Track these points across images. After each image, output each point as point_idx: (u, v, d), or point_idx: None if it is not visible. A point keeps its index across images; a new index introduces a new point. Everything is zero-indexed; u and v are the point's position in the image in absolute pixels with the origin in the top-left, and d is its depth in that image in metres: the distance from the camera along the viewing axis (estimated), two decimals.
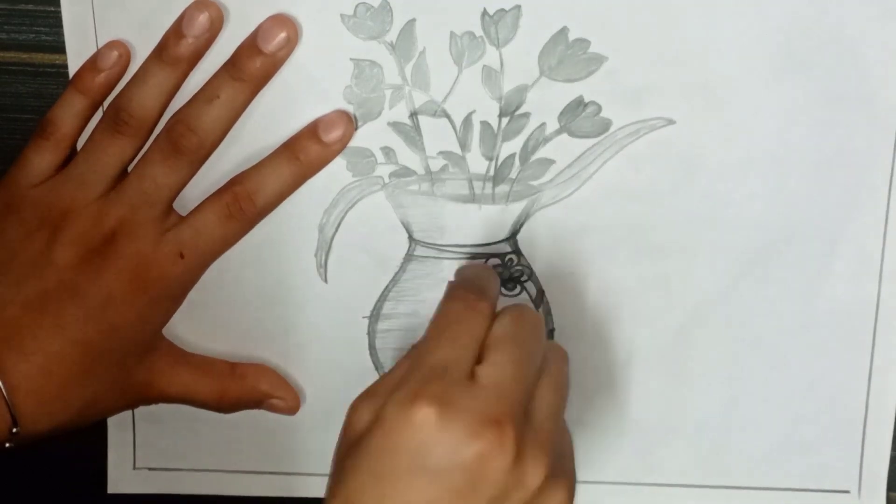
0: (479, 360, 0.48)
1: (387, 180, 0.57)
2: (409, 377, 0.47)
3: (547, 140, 0.56)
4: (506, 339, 0.48)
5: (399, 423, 0.45)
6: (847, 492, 0.60)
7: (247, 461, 0.61)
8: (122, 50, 0.55)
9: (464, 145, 0.56)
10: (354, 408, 0.48)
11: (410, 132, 0.56)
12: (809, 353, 0.58)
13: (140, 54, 0.55)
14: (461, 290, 0.51)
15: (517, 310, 0.50)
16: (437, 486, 0.45)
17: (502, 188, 0.57)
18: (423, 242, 0.57)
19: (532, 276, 0.58)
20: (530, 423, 0.47)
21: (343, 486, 0.46)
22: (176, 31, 0.54)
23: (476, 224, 0.57)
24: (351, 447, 0.47)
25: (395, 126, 0.56)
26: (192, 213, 0.56)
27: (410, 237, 0.57)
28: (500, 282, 0.55)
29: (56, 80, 0.57)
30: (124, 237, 0.55)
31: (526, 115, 0.56)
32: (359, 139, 0.56)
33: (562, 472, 0.47)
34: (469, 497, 0.45)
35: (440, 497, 0.44)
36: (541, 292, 0.58)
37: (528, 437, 0.46)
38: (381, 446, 0.45)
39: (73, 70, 0.56)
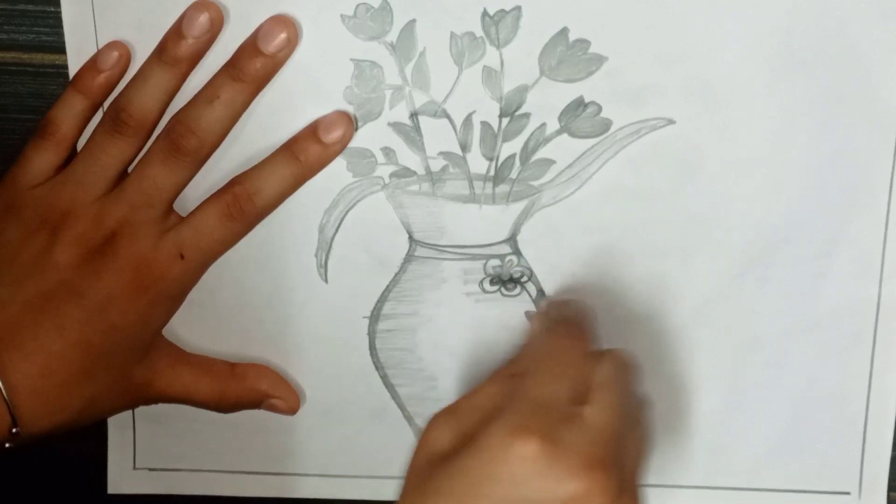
0: (581, 399, 0.47)
1: (387, 181, 0.57)
2: (511, 407, 0.46)
3: (547, 140, 0.56)
4: (612, 384, 0.48)
5: (500, 452, 0.45)
6: (847, 493, 0.60)
7: (247, 461, 0.61)
8: (123, 50, 0.55)
9: (464, 146, 0.56)
10: (436, 425, 0.48)
11: (411, 132, 0.56)
12: (810, 353, 0.58)
13: (140, 55, 0.55)
14: (569, 327, 0.52)
15: (623, 356, 0.51)
16: None
17: (502, 188, 0.57)
18: (424, 243, 0.57)
19: (532, 276, 0.58)
20: (625, 467, 0.47)
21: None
22: (176, 32, 0.54)
23: (476, 224, 0.57)
24: (435, 467, 0.46)
25: (396, 126, 0.56)
26: (192, 213, 0.56)
27: (411, 237, 0.57)
28: (596, 318, 0.56)
29: (56, 80, 0.57)
30: (124, 237, 0.55)
31: (526, 115, 0.56)
32: (359, 140, 0.56)
33: None
34: None
35: None
36: (541, 292, 0.58)
37: (627, 483, 0.46)
38: (477, 472, 0.45)
39: (73, 70, 0.56)
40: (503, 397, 0.47)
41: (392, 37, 0.55)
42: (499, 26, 0.55)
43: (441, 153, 0.56)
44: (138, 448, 0.61)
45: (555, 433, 0.45)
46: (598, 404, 0.47)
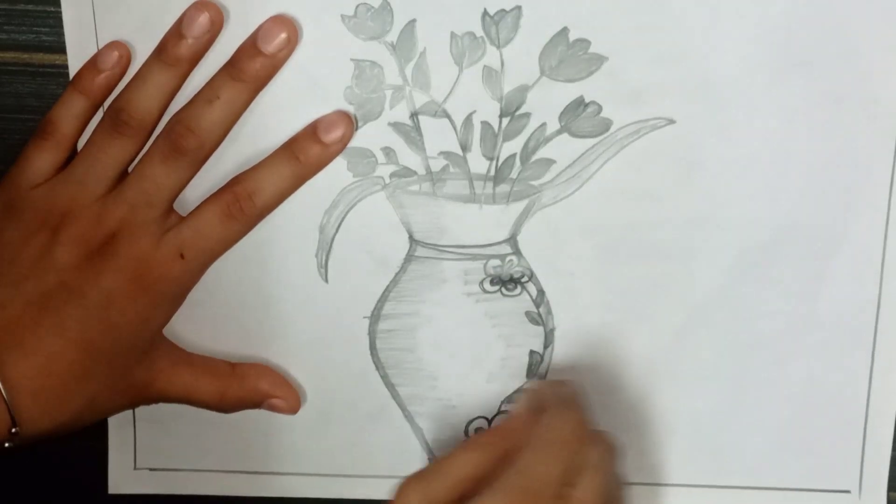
0: (571, 481, 0.48)
1: (387, 181, 0.57)
2: (504, 481, 0.47)
3: (547, 140, 0.56)
4: (602, 468, 0.50)
5: None
6: (847, 492, 0.60)
7: (247, 461, 0.61)
8: (123, 50, 0.55)
9: (464, 145, 0.56)
10: (405, 492, 0.49)
11: (411, 132, 0.56)
12: (810, 353, 0.58)
13: (140, 55, 0.55)
14: (568, 407, 0.52)
15: (612, 439, 0.52)
16: None
17: (503, 188, 0.57)
18: (424, 243, 0.57)
19: (532, 276, 0.58)
20: None
21: None
22: (176, 32, 0.54)
23: (476, 224, 0.57)
24: None
25: (396, 126, 0.56)
26: (192, 213, 0.56)
27: (411, 237, 0.57)
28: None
29: (56, 80, 0.57)
30: (124, 237, 0.55)
31: (526, 115, 0.56)
32: (359, 139, 0.56)
33: None
34: None
35: None
36: (541, 292, 0.58)
37: None
38: None
39: (73, 70, 0.56)
40: (484, 468, 0.48)
41: (392, 37, 0.55)
42: (499, 26, 0.55)
43: (441, 153, 0.56)
44: (139, 448, 0.61)
45: None
46: (587, 487, 0.48)
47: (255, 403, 0.59)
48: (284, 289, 0.58)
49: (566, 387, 0.56)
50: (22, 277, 0.54)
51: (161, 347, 0.57)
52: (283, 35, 0.54)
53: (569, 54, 0.55)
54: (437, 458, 0.51)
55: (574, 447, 0.50)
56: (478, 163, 0.56)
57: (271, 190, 0.56)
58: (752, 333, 0.58)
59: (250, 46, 0.55)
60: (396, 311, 0.58)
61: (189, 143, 0.55)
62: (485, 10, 0.54)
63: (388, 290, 0.58)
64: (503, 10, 0.54)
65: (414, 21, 0.55)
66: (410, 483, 0.49)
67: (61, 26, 0.56)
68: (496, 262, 0.57)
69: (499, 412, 0.59)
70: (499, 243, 0.57)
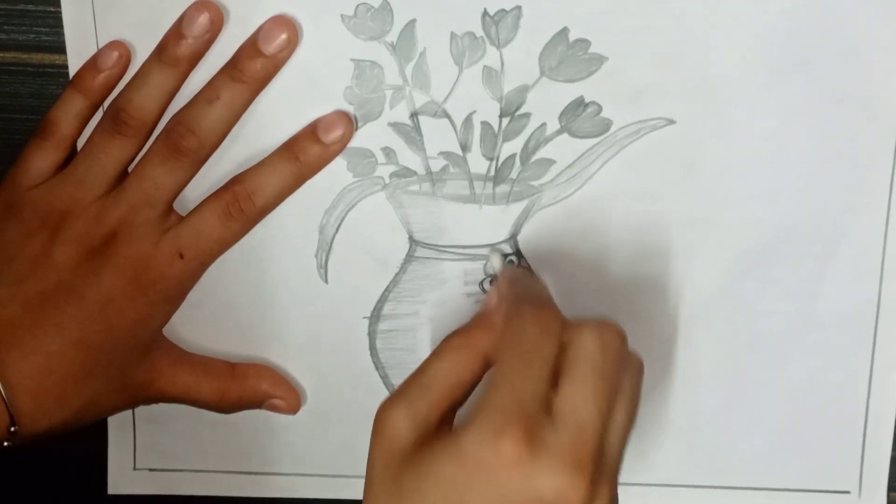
0: (555, 382, 0.46)
1: (387, 181, 0.57)
2: (490, 406, 0.45)
3: (547, 140, 0.56)
4: (587, 369, 0.46)
5: (482, 458, 0.44)
6: (847, 492, 0.60)
7: (247, 462, 0.61)
8: (123, 50, 0.55)
9: (464, 146, 0.56)
10: (387, 416, 0.47)
11: (411, 133, 0.56)
12: (810, 353, 0.58)
13: (140, 55, 0.55)
14: (533, 309, 0.48)
15: (599, 331, 0.48)
16: None
17: (503, 188, 0.57)
18: (424, 243, 0.57)
19: (532, 276, 0.58)
20: (605, 451, 0.46)
21: None
22: (176, 32, 0.54)
23: (477, 224, 0.57)
24: (402, 464, 0.46)
25: (396, 126, 0.56)
26: (191, 213, 0.56)
27: (411, 238, 0.57)
28: (547, 288, 0.53)
29: (56, 80, 0.57)
30: (124, 237, 0.55)
31: (526, 115, 0.56)
32: (359, 140, 0.56)
33: (617, 496, 0.47)
34: None
35: None
36: None
37: (604, 474, 0.45)
38: (455, 476, 0.44)
39: (73, 70, 0.56)
40: (464, 374, 0.47)
41: (392, 37, 0.55)
42: (499, 26, 0.55)
43: (441, 153, 0.56)
44: (138, 448, 0.61)
45: (533, 433, 0.44)
46: (570, 394, 0.46)
47: (255, 403, 0.59)
48: (284, 289, 0.58)
49: (530, 278, 0.54)
50: (21, 277, 0.54)
51: (161, 347, 0.57)
52: (284, 36, 0.54)
53: (569, 54, 0.55)
54: (413, 373, 0.48)
55: (550, 346, 0.47)
56: (478, 163, 0.56)
57: (271, 190, 0.56)
58: (752, 333, 0.58)
59: (250, 47, 0.55)
60: (396, 311, 0.58)
61: (189, 143, 0.55)
62: (485, 10, 0.54)
63: (388, 290, 0.58)
64: (503, 10, 0.54)
65: (414, 21, 0.55)
66: (392, 406, 0.47)
67: (61, 26, 0.56)
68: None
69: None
70: (499, 243, 0.57)
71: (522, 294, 0.51)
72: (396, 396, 0.48)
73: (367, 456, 0.59)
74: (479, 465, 0.44)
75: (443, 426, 0.47)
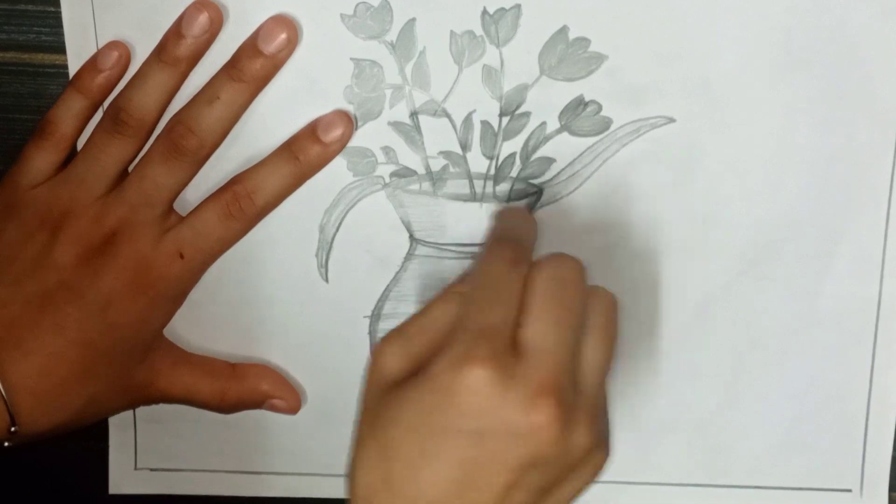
0: (519, 319, 0.46)
1: (387, 180, 0.57)
2: (455, 336, 0.46)
3: (547, 139, 0.56)
4: (547, 298, 0.47)
5: (449, 383, 0.44)
6: (849, 490, 0.60)
7: (248, 462, 0.60)
8: (122, 50, 0.55)
9: (464, 145, 0.56)
10: (386, 348, 0.48)
11: (411, 132, 0.56)
12: (811, 351, 0.58)
13: (140, 54, 0.55)
14: (501, 246, 0.49)
15: (557, 263, 0.48)
16: (480, 448, 0.44)
17: (503, 187, 0.57)
18: (425, 242, 0.57)
19: None
20: (578, 387, 0.46)
21: (379, 436, 0.46)
22: (175, 32, 0.54)
23: (477, 223, 0.57)
24: (386, 394, 0.46)
25: (396, 126, 0.56)
26: (191, 213, 0.56)
27: (411, 237, 0.57)
28: (536, 226, 0.53)
29: (56, 80, 0.57)
30: (124, 237, 0.55)
31: (526, 114, 0.56)
32: (359, 139, 0.56)
33: (603, 431, 0.47)
34: (512, 461, 0.44)
35: (482, 457, 0.44)
36: None
37: (577, 405, 0.45)
38: (426, 402, 0.45)
39: (73, 70, 0.56)
40: (452, 319, 0.47)
41: (392, 36, 0.55)
42: (498, 25, 0.55)
43: (441, 152, 0.56)
44: (139, 448, 0.61)
45: (501, 362, 0.44)
46: (533, 326, 0.46)
47: (256, 404, 0.59)
48: (284, 289, 0.58)
49: (507, 216, 0.53)
50: (22, 277, 0.54)
51: (161, 347, 0.57)
52: (284, 35, 0.54)
53: (568, 53, 0.55)
54: (415, 314, 0.49)
55: (511, 284, 0.47)
56: (478, 162, 0.56)
57: (271, 189, 0.56)
58: (752, 332, 0.58)
59: (250, 47, 0.55)
60: (397, 310, 0.58)
61: (189, 143, 0.55)
62: (484, 8, 0.54)
63: (388, 289, 0.58)
64: (503, 9, 0.54)
65: (413, 20, 0.55)
66: (389, 339, 0.48)
67: (61, 26, 0.56)
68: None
69: None
70: None
71: (500, 230, 0.51)
72: (395, 331, 0.48)
73: None
74: (447, 390, 0.45)
75: None
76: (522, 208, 0.54)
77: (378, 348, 0.48)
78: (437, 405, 0.45)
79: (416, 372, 0.46)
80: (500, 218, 0.53)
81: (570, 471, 0.46)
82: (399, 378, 0.47)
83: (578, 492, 0.47)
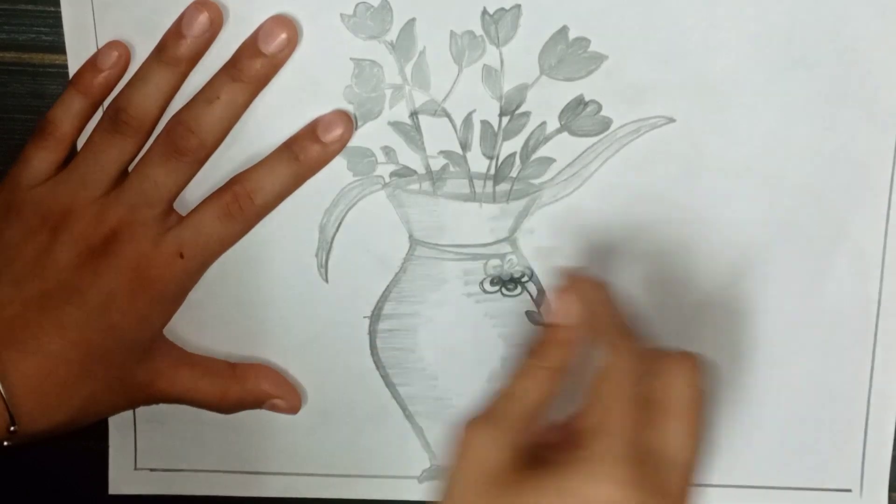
0: (653, 415, 0.46)
1: (387, 180, 0.57)
2: (595, 445, 0.45)
3: (547, 139, 0.56)
4: (683, 407, 0.47)
5: (588, 496, 0.44)
6: (849, 490, 0.60)
7: (248, 462, 0.60)
8: (122, 50, 0.55)
9: (464, 144, 0.56)
10: (479, 435, 0.47)
11: (411, 132, 0.56)
12: (811, 351, 0.58)
13: (140, 54, 0.55)
14: (625, 341, 0.48)
15: (691, 367, 0.48)
16: None
17: (503, 187, 0.57)
18: (424, 242, 0.57)
19: (533, 275, 0.58)
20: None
21: None
22: (175, 32, 0.54)
23: (477, 223, 0.57)
24: (493, 487, 0.46)
25: (396, 125, 0.56)
26: (191, 212, 0.56)
27: (411, 237, 0.57)
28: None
29: (56, 80, 0.57)
30: (124, 237, 0.55)
31: (526, 114, 0.56)
32: (359, 139, 0.56)
33: None
34: None
35: None
36: (541, 292, 0.58)
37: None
38: None
39: (73, 70, 0.56)
40: (546, 391, 0.47)
41: (392, 36, 0.55)
42: (498, 25, 0.55)
43: (441, 152, 0.56)
44: (139, 448, 0.61)
45: (644, 482, 0.45)
46: (674, 429, 0.46)
47: (256, 403, 0.59)
48: (284, 289, 0.58)
49: (604, 293, 0.51)
50: (22, 277, 0.54)
51: (161, 348, 0.57)
52: (284, 35, 0.54)
53: (568, 53, 0.55)
54: (501, 394, 0.47)
55: (645, 387, 0.47)
56: (478, 162, 0.56)
57: (271, 189, 0.56)
58: (752, 332, 0.58)
59: (250, 47, 0.55)
60: (397, 310, 0.58)
61: (189, 143, 0.55)
62: (484, 8, 0.54)
63: (388, 289, 0.58)
64: (502, 9, 0.54)
65: (413, 20, 0.55)
66: (482, 425, 0.47)
67: (61, 26, 0.56)
68: (496, 261, 0.57)
69: None
70: (499, 242, 0.57)
71: (604, 318, 0.50)
72: (486, 416, 0.47)
73: (366, 454, 0.59)
74: (582, 501, 0.44)
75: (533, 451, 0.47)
76: (590, 278, 0.52)
77: (469, 433, 0.47)
78: None
79: (521, 460, 0.46)
80: (581, 294, 0.51)
81: None
82: (504, 467, 0.46)
83: None
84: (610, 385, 0.47)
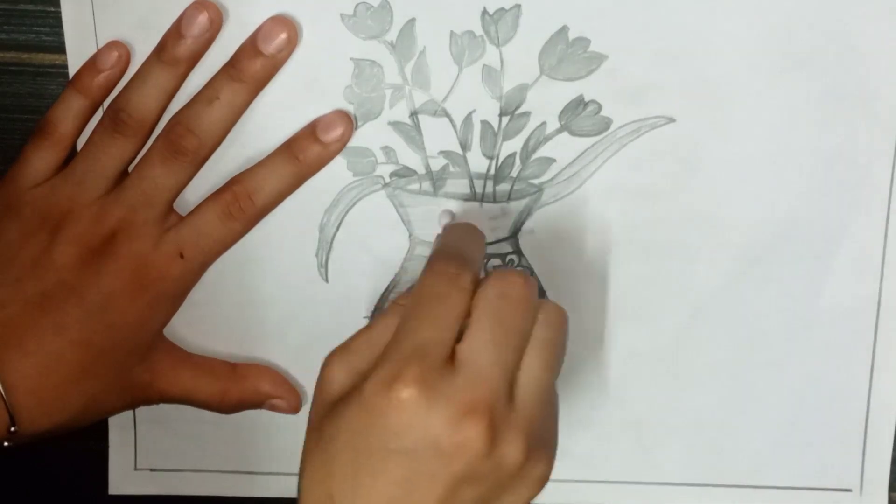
0: (461, 335, 0.47)
1: (387, 180, 0.57)
2: (390, 354, 0.46)
3: (547, 139, 0.56)
4: (487, 315, 0.47)
5: (379, 403, 0.45)
6: (849, 490, 0.60)
7: (248, 462, 0.60)
8: (122, 50, 0.55)
9: (464, 144, 0.56)
10: (329, 365, 0.48)
11: (411, 132, 0.56)
12: (811, 351, 0.58)
13: (140, 54, 0.55)
14: (442, 262, 0.49)
15: (502, 280, 0.48)
16: (412, 467, 0.45)
17: (503, 187, 0.57)
18: (424, 242, 0.57)
19: (533, 276, 0.58)
20: (513, 401, 0.46)
21: (322, 451, 0.47)
22: (175, 32, 0.54)
23: (477, 223, 0.57)
24: (329, 410, 0.47)
25: (396, 126, 0.56)
26: (191, 213, 0.56)
27: (411, 237, 0.57)
28: (485, 242, 0.54)
29: (56, 80, 0.57)
30: (124, 237, 0.55)
31: (526, 114, 0.56)
32: (359, 139, 0.56)
33: (542, 443, 0.47)
34: (444, 479, 0.45)
35: (415, 476, 0.45)
36: (541, 292, 0.58)
37: (510, 420, 0.46)
38: (359, 422, 0.46)
39: (73, 70, 0.56)
40: (387, 342, 0.47)
41: (392, 36, 0.55)
42: (498, 25, 0.55)
43: (441, 152, 0.56)
44: (139, 448, 0.61)
45: (430, 381, 0.45)
46: (470, 342, 0.47)
47: (256, 404, 0.59)
48: (284, 289, 0.58)
49: (453, 233, 0.53)
50: (21, 277, 0.54)
51: (161, 348, 0.57)
52: (283, 35, 0.54)
53: (568, 53, 0.55)
54: (362, 329, 0.49)
55: (453, 302, 0.48)
56: (478, 162, 0.56)
57: (270, 189, 0.56)
58: (752, 332, 0.58)
59: (250, 47, 0.55)
60: None
61: (189, 143, 0.55)
62: (484, 8, 0.54)
63: (388, 289, 0.58)
64: (502, 9, 0.54)
65: (413, 20, 0.55)
66: (335, 354, 0.49)
67: (61, 26, 0.56)
68: (497, 261, 0.57)
69: None
70: (499, 242, 0.57)
71: (445, 246, 0.51)
72: (341, 347, 0.49)
73: None
74: (377, 410, 0.45)
75: None
76: (470, 224, 0.54)
77: (325, 363, 0.49)
78: (370, 425, 0.45)
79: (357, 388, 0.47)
80: (446, 234, 0.54)
81: (505, 485, 0.46)
82: (342, 393, 0.47)
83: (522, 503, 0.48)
84: (419, 293, 0.48)
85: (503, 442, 0.45)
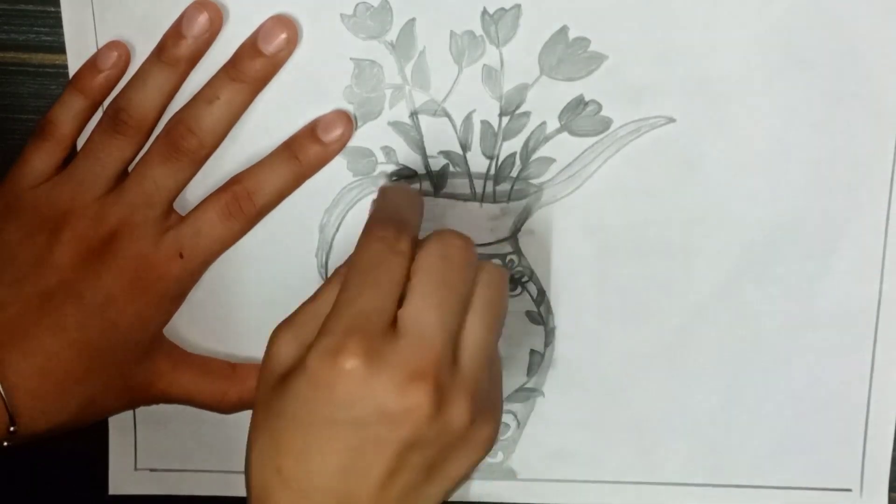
0: (402, 300, 0.47)
1: (387, 180, 0.57)
2: (331, 325, 0.46)
3: (547, 139, 0.56)
4: (427, 279, 0.47)
5: (323, 374, 0.45)
6: (849, 490, 0.60)
7: None
8: (122, 50, 0.55)
9: (464, 144, 0.56)
10: (275, 339, 0.48)
11: (411, 132, 0.56)
12: (811, 351, 0.58)
13: (140, 54, 0.55)
14: (378, 227, 0.49)
15: (442, 241, 0.49)
16: (360, 436, 0.45)
17: (503, 187, 0.57)
18: None
19: (533, 276, 0.58)
20: (457, 364, 0.47)
21: (269, 425, 0.47)
22: (175, 32, 0.54)
23: (477, 223, 0.57)
24: (276, 384, 0.47)
25: (396, 126, 0.56)
26: (191, 212, 0.56)
27: None
28: (423, 204, 0.53)
29: (56, 80, 0.57)
30: (124, 237, 0.55)
31: (526, 114, 0.56)
32: (359, 139, 0.56)
33: (488, 406, 0.48)
34: (392, 445, 0.45)
35: (363, 444, 0.45)
36: (541, 292, 0.58)
37: (455, 383, 0.46)
38: (305, 394, 0.46)
39: (73, 70, 0.56)
40: (329, 312, 0.47)
41: (392, 36, 0.55)
42: (498, 25, 0.55)
43: (441, 152, 0.56)
44: (139, 449, 0.61)
45: (373, 349, 0.45)
46: (411, 307, 0.47)
47: None
48: (284, 289, 0.58)
49: (388, 195, 0.53)
50: (21, 277, 0.54)
51: (161, 348, 0.57)
52: (284, 35, 0.54)
53: (568, 53, 0.55)
54: (306, 300, 0.49)
55: (391, 267, 0.48)
56: (478, 162, 0.56)
57: (270, 189, 0.56)
58: (752, 332, 0.58)
59: (250, 47, 0.55)
60: None
61: (189, 143, 0.55)
62: (484, 8, 0.54)
63: None
64: (502, 9, 0.54)
65: (413, 20, 0.55)
66: (280, 328, 0.49)
67: (61, 26, 0.56)
68: (497, 261, 0.57)
69: None
70: (499, 242, 0.57)
71: (381, 210, 0.51)
72: (287, 320, 0.49)
73: None
74: (322, 382, 0.45)
75: None
76: (406, 186, 0.54)
77: (271, 337, 0.49)
78: (315, 397, 0.45)
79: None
80: (381, 197, 0.53)
81: (452, 448, 0.47)
82: (289, 367, 0.47)
83: (469, 466, 0.48)
84: (356, 260, 0.48)
85: (449, 405, 0.46)
